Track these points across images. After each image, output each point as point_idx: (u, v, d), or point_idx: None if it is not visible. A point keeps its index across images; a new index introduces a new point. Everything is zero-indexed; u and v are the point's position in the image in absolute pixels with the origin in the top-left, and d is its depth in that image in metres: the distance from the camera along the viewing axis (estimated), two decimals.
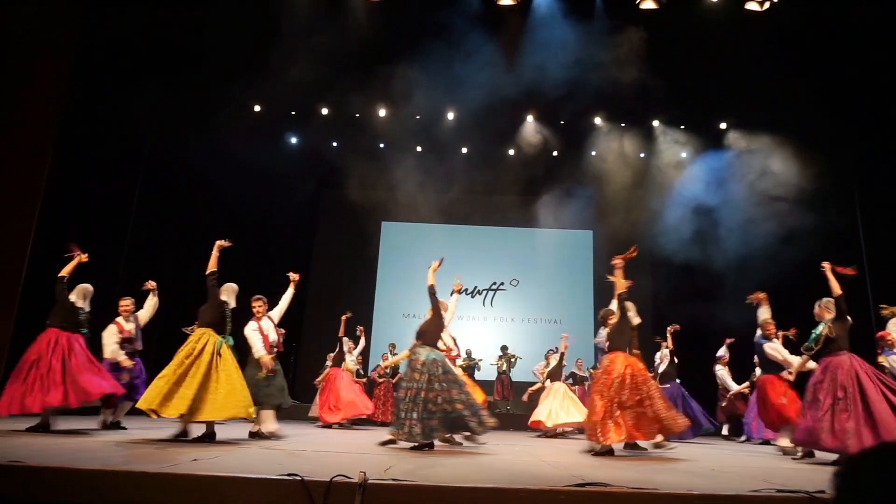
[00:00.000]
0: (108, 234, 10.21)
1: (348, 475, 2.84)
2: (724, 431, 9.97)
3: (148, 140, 10.84)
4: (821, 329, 5.61)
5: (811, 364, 5.94)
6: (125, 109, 10.02)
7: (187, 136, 10.72)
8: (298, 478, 2.81)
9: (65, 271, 5.98)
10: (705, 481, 3.69)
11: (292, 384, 10.53)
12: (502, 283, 14.46)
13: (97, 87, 9.07)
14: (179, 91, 10.38)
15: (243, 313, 6.24)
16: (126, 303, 6.77)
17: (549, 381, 9.18)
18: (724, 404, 9.84)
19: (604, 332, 6.26)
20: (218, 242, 5.81)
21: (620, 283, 5.99)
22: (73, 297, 5.99)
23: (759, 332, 6.96)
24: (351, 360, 9.67)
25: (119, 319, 6.66)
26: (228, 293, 5.82)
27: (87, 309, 6.11)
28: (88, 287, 6.19)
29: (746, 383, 9.49)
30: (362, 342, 10.24)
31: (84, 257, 6.13)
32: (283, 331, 6.74)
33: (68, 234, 8.71)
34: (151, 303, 6.88)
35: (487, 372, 12.35)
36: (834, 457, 5.53)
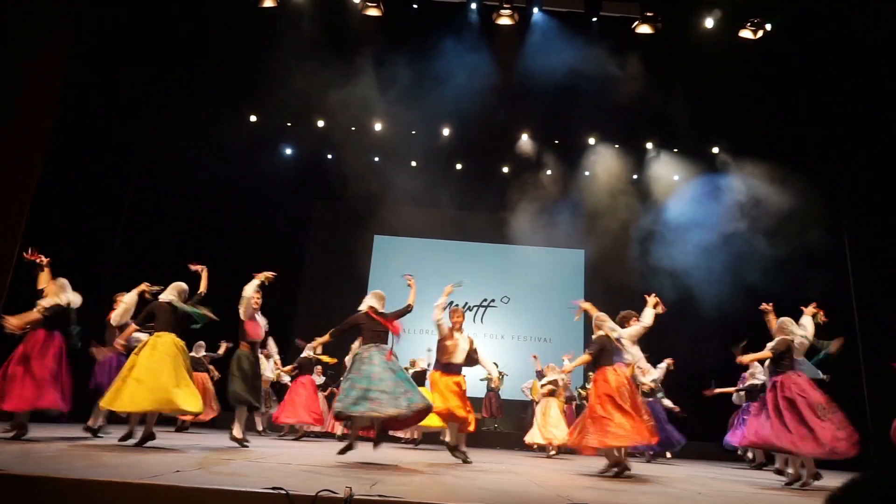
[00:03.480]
0: (97, 239, 10.14)
1: (334, 490, 2.81)
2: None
3: (140, 146, 10.82)
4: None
5: None
6: (118, 115, 10.02)
7: (181, 143, 10.72)
8: (283, 491, 2.78)
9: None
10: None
11: (279, 395, 10.45)
12: (493, 300, 14.44)
13: (90, 90, 9.05)
14: (174, 98, 10.40)
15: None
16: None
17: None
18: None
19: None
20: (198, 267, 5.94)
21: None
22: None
23: None
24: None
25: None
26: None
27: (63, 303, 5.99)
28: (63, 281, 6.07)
29: None
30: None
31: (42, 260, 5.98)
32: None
33: (58, 237, 8.69)
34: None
35: (475, 389, 12.30)
36: (823, 483, 5.53)
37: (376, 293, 5.74)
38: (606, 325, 5.94)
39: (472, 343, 6.67)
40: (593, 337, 6.04)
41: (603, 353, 5.81)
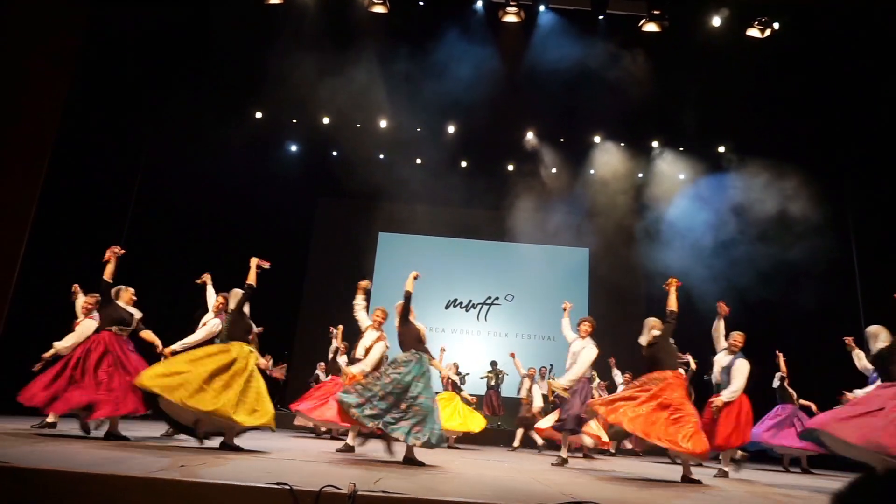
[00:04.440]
0: (102, 239, 10.14)
1: (338, 486, 2.82)
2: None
3: (145, 144, 10.84)
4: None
5: None
6: (123, 114, 10.05)
7: (186, 140, 10.73)
8: (287, 487, 2.79)
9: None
10: (696, 503, 3.67)
11: (283, 393, 10.47)
12: (497, 298, 14.44)
13: (96, 90, 9.07)
14: (179, 95, 10.41)
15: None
16: (89, 300, 6.67)
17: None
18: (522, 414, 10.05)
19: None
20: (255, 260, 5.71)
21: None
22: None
23: None
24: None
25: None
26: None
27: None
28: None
29: None
30: (334, 344, 10.08)
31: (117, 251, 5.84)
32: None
33: (63, 238, 8.72)
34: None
35: (476, 386, 12.33)
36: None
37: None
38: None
39: (374, 341, 6.52)
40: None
41: None
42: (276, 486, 2.81)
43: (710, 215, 11.86)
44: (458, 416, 9.01)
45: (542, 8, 9.88)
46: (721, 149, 12.37)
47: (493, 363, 12.29)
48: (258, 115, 12.11)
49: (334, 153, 13.32)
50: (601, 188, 12.73)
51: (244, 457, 4.66)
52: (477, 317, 14.31)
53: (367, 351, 6.52)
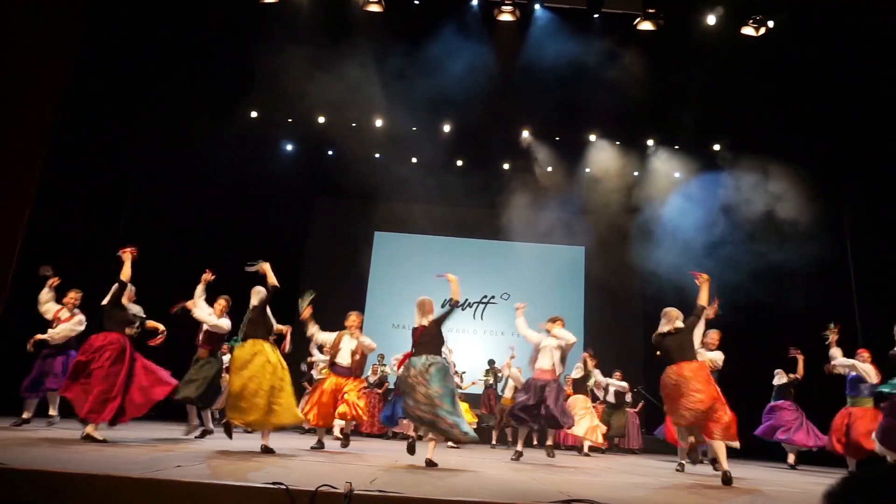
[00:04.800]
0: (97, 239, 10.13)
1: (334, 485, 2.82)
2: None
3: (141, 142, 10.80)
4: None
5: None
6: (119, 112, 10.01)
7: (181, 139, 10.69)
8: (283, 486, 2.79)
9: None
10: (695, 501, 3.69)
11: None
12: (493, 297, 14.45)
13: (92, 89, 9.02)
14: (175, 93, 10.38)
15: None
16: (74, 295, 6.72)
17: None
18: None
19: None
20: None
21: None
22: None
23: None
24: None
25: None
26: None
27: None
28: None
29: None
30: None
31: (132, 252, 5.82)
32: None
33: (59, 237, 8.69)
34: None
35: (473, 386, 12.35)
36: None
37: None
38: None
39: (358, 346, 6.75)
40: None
41: None
42: (272, 486, 2.81)
43: (706, 214, 11.86)
44: None
45: (537, 6, 9.87)
46: (716, 147, 12.39)
47: (491, 362, 12.32)
48: (253, 114, 12.08)
49: (330, 152, 13.30)
50: (596, 187, 12.75)
51: (241, 456, 4.67)
52: (473, 315, 14.32)
53: (353, 353, 6.63)
